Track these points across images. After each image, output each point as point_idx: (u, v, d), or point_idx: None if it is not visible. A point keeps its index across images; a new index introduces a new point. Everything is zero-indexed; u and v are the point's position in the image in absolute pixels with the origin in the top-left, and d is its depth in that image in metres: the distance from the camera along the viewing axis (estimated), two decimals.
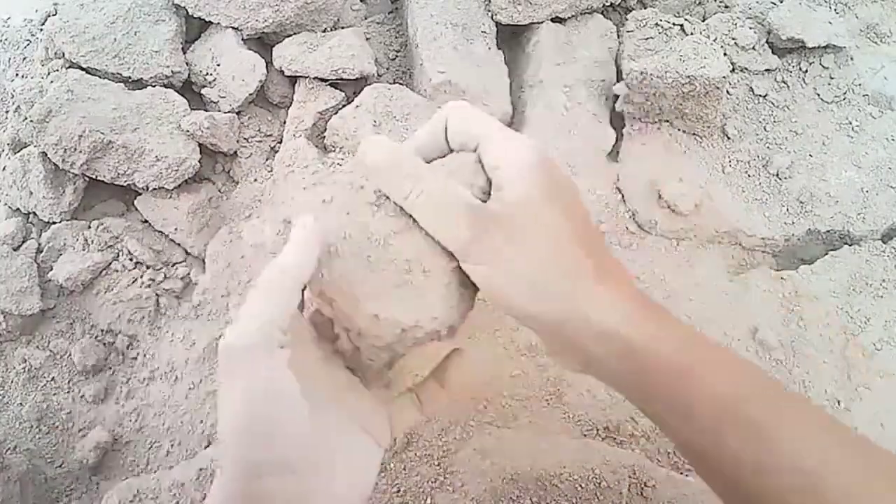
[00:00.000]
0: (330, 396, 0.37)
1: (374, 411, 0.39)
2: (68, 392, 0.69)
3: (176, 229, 0.71)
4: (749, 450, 0.33)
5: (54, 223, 0.71)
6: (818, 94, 0.73)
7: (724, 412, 0.33)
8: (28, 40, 0.87)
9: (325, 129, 0.74)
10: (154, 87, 0.72)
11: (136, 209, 0.72)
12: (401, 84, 0.77)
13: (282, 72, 0.75)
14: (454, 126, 0.38)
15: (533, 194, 0.35)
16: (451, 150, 0.39)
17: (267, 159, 0.76)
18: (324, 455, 0.34)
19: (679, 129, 0.73)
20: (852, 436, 0.35)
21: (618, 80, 0.74)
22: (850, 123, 0.72)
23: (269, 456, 0.32)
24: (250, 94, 0.73)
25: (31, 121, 0.66)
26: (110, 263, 0.70)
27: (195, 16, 0.75)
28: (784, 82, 0.74)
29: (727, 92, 0.72)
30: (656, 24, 0.75)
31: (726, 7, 0.78)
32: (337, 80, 0.74)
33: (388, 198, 0.37)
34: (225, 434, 0.32)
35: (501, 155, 0.36)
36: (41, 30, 0.85)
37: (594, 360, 0.36)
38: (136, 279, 0.71)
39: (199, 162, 0.70)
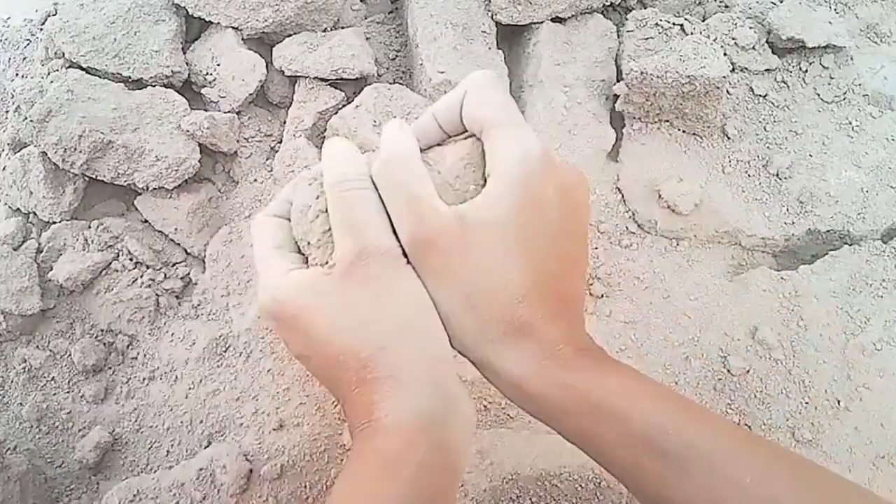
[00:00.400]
0: None
1: None
2: (68, 392, 0.69)
3: (176, 229, 0.71)
4: (668, 484, 0.32)
5: (54, 223, 0.71)
6: (818, 94, 0.73)
7: (637, 450, 0.33)
8: (28, 40, 0.87)
9: (325, 129, 0.74)
10: (154, 86, 0.72)
11: (136, 209, 0.72)
12: (401, 84, 0.77)
13: (282, 72, 0.75)
14: (468, 107, 0.36)
15: (501, 220, 0.34)
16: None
17: (267, 159, 0.76)
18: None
19: (679, 129, 0.73)
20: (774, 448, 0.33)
21: (618, 80, 0.74)
22: (850, 123, 0.72)
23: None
24: (250, 94, 0.73)
25: (31, 121, 0.66)
26: (110, 263, 0.70)
27: (195, 16, 0.75)
28: (784, 82, 0.74)
29: (727, 92, 0.72)
30: (656, 24, 0.75)
31: (726, 7, 0.78)
32: (337, 79, 0.74)
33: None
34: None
35: (497, 160, 0.34)
36: (41, 30, 0.85)
37: (514, 403, 0.36)
38: (136, 279, 0.71)
39: (199, 162, 0.70)
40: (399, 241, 0.35)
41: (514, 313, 0.34)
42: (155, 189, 0.69)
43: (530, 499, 0.58)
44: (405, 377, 0.34)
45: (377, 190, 0.35)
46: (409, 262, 0.35)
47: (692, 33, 0.73)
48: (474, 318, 0.34)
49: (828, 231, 0.70)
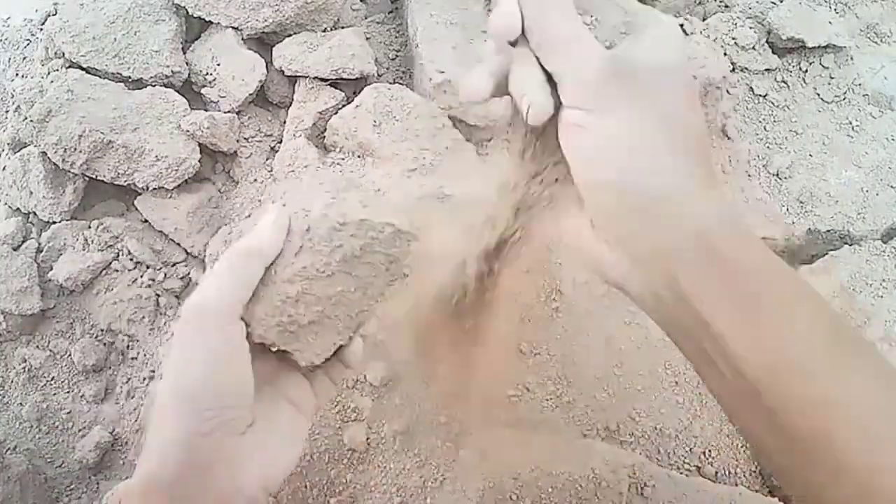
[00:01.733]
0: (261, 371, 0.38)
1: (300, 387, 0.41)
2: (68, 392, 0.69)
3: (176, 229, 0.71)
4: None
5: (54, 223, 0.71)
6: (818, 94, 0.73)
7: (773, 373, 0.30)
8: (28, 40, 0.87)
9: (325, 129, 0.74)
10: (154, 86, 0.72)
11: (136, 209, 0.72)
12: (401, 84, 0.77)
13: (282, 72, 0.75)
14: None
15: (672, 65, 0.33)
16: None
17: (267, 159, 0.76)
18: (260, 422, 0.37)
19: None
20: None
21: None
22: (850, 123, 0.72)
23: (212, 415, 0.34)
24: (250, 94, 0.73)
25: (31, 120, 0.66)
26: (110, 263, 0.70)
27: (195, 15, 0.75)
28: (784, 82, 0.74)
29: (727, 92, 0.72)
30: None
31: (726, 7, 0.78)
32: (337, 79, 0.74)
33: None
34: (171, 389, 0.35)
35: (653, 22, 0.35)
36: (41, 29, 0.85)
37: (662, 255, 0.32)
38: (136, 279, 0.71)
39: (199, 162, 0.70)
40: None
41: (706, 153, 0.33)
42: (155, 189, 0.69)
43: (530, 499, 0.58)
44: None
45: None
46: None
47: (692, 33, 0.73)
48: (677, 140, 0.32)
49: (828, 231, 0.70)
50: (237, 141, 0.74)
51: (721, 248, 0.31)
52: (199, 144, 0.71)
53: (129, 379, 0.70)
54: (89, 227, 0.71)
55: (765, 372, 0.30)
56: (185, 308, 0.36)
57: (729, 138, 0.73)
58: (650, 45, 0.33)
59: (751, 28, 0.73)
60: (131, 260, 0.71)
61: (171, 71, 0.73)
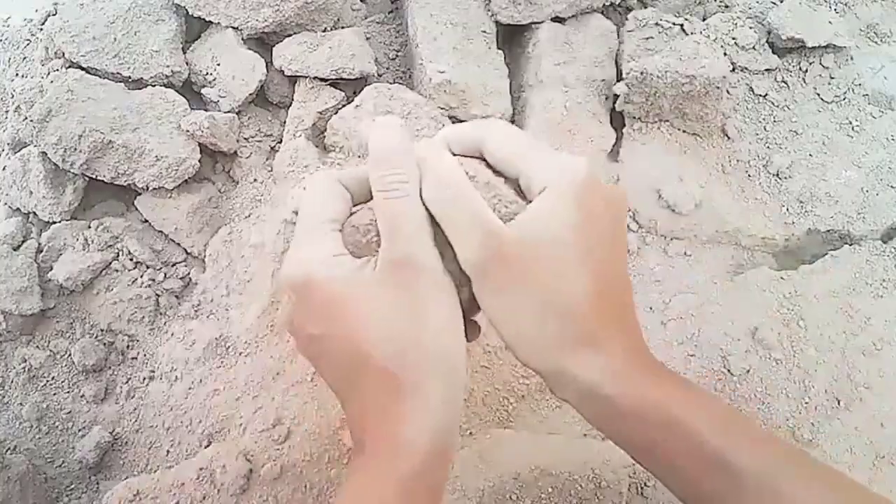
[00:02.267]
0: None
1: None
2: (68, 392, 0.69)
3: (176, 229, 0.71)
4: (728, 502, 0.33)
5: (54, 223, 0.71)
6: (818, 94, 0.73)
7: (705, 466, 0.33)
8: (28, 40, 0.87)
9: (326, 129, 0.74)
10: (154, 86, 0.72)
11: (136, 209, 0.72)
12: (401, 84, 0.77)
13: (282, 71, 0.75)
14: (496, 143, 0.36)
15: (560, 234, 0.34)
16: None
17: (267, 159, 0.76)
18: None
19: (679, 129, 0.73)
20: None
21: (618, 80, 0.74)
22: (850, 123, 0.72)
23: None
24: (250, 94, 0.73)
25: (31, 120, 0.66)
26: (110, 263, 0.70)
27: (195, 15, 0.75)
28: (784, 82, 0.74)
29: (727, 92, 0.72)
30: (656, 24, 0.75)
31: (726, 7, 0.78)
32: (337, 79, 0.74)
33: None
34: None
35: (545, 178, 0.35)
36: (41, 29, 0.85)
37: (584, 414, 0.37)
38: (136, 279, 0.71)
39: (199, 162, 0.70)
40: (450, 260, 0.35)
41: (588, 322, 0.35)
42: (155, 189, 0.69)
43: (530, 499, 0.58)
44: (429, 395, 0.34)
45: (425, 206, 0.35)
46: (451, 282, 0.36)
47: (692, 33, 0.73)
48: (550, 329, 0.34)
49: (828, 231, 0.70)
50: (237, 141, 0.74)
51: (609, 399, 0.35)
52: (199, 144, 0.71)
53: (129, 379, 0.70)
54: (89, 227, 0.71)
55: None
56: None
57: (729, 138, 0.73)
58: (535, 218, 0.34)
59: (751, 28, 0.73)
60: (131, 260, 0.71)
61: (171, 71, 0.73)
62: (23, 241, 0.71)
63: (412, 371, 0.34)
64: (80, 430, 0.69)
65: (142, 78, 0.72)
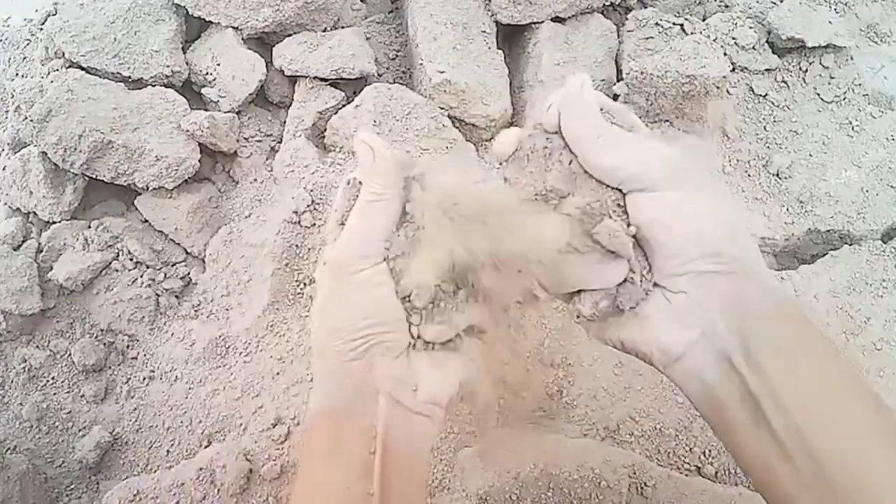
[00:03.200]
0: None
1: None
2: (68, 392, 0.69)
3: (176, 229, 0.71)
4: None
5: (54, 223, 0.71)
6: (818, 94, 0.73)
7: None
8: (28, 40, 0.87)
9: (325, 129, 0.74)
10: (154, 86, 0.72)
11: (137, 209, 0.72)
12: (401, 84, 0.77)
13: (282, 71, 0.75)
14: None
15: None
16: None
17: (267, 159, 0.76)
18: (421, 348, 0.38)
19: (679, 129, 0.73)
20: None
21: (618, 80, 0.74)
22: (850, 123, 0.72)
23: (359, 342, 0.36)
24: (250, 94, 0.73)
25: (31, 120, 0.66)
26: (110, 263, 0.70)
27: (195, 15, 0.75)
28: (784, 82, 0.74)
29: (727, 92, 0.72)
30: (656, 24, 0.75)
31: (726, 7, 0.78)
32: (337, 79, 0.74)
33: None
34: (317, 328, 0.38)
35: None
36: (41, 29, 0.85)
37: (743, 322, 0.34)
38: (136, 279, 0.71)
39: (199, 162, 0.70)
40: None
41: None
42: (155, 189, 0.69)
43: (530, 499, 0.58)
44: (317, 376, 0.39)
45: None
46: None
47: (692, 33, 0.73)
48: (723, 224, 0.36)
49: (828, 231, 0.70)
50: (237, 141, 0.74)
51: (798, 320, 0.35)
52: (199, 144, 0.71)
53: (129, 379, 0.70)
54: (89, 226, 0.71)
55: (829, 454, 0.32)
56: (329, 261, 0.38)
57: (729, 138, 0.73)
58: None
59: (751, 28, 0.72)
60: (131, 260, 0.71)
61: (171, 71, 0.73)
62: (23, 241, 0.71)
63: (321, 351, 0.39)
64: (80, 430, 0.69)
65: (142, 78, 0.72)
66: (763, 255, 0.72)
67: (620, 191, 0.36)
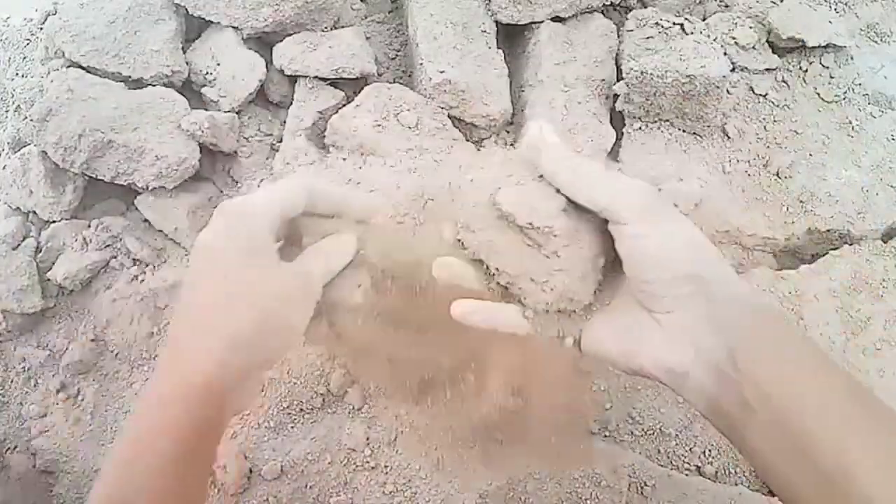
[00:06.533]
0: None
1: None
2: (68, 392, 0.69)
3: (176, 229, 0.71)
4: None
5: (54, 222, 0.71)
6: (818, 94, 0.73)
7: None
8: (28, 39, 0.87)
9: (326, 129, 0.74)
10: (154, 86, 0.72)
11: (136, 209, 0.72)
12: (401, 83, 0.77)
13: (282, 71, 0.75)
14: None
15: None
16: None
17: (267, 159, 0.76)
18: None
19: (679, 129, 0.73)
20: None
21: (618, 80, 0.74)
22: (850, 123, 0.72)
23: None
24: (250, 94, 0.73)
25: (31, 120, 0.66)
26: (109, 262, 0.70)
27: (195, 15, 0.75)
28: (784, 82, 0.74)
29: (727, 91, 0.72)
30: (656, 24, 0.74)
31: (726, 6, 0.78)
32: (337, 79, 0.74)
33: None
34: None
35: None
36: (41, 29, 0.85)
37: (726, 332, 0.37)
38: (135, 278, 0.71)
39: (199, 161, 0.70)
40: None
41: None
42: (155, 188, 0.69)
43: (530, 499, 0.58)
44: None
45: None
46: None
47: (692, 33, 0.73)
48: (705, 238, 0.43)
49: (828, 230, 0.70)
50: (237, 141, 0.74)
51: (774, 321, 0.38)
52: (199, 144, 0.71)
53: (128, 378, 0.70)
54: (89, 226, 0.71)
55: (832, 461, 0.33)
56: (218, 209, 0.42)
57: (729, 138, 0.73)
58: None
59: (751, 28, 0.72)
60: (131, 259, 0.71)
61: (171, 70, 0.73)
62: (22, 240, 0.71)
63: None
64: None
65: (142, 77, 0.72)
66: (763, 254, 0.73)
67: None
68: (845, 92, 0.73)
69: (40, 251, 0.70)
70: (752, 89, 0.73)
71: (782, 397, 0.35)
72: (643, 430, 0.63)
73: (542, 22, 0.76)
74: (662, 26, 0.74)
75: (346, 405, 0.64)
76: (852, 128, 0.72)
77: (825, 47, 0.72)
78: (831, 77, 0.73)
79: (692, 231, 0.40)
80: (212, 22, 0.75)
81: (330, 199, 0.45)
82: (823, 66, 0.73)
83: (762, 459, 0.36)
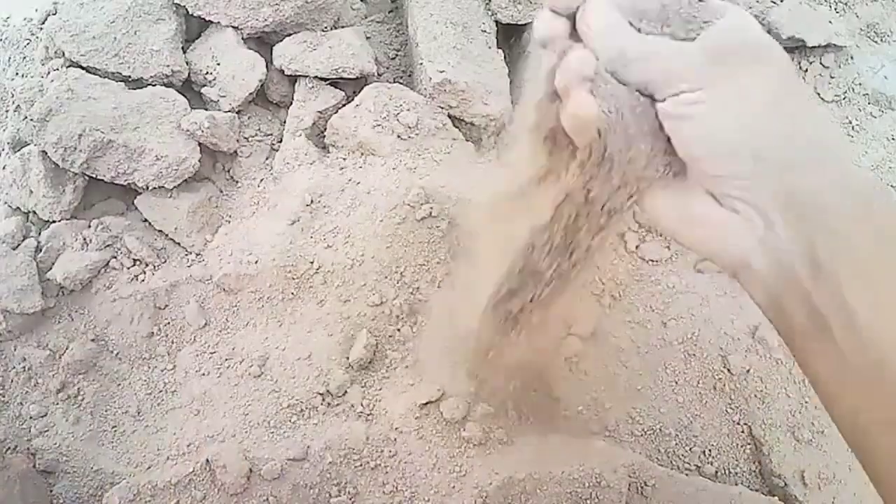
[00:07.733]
0: None
1: None
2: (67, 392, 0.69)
3: (176, 228, 0.71)
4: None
5: (54, 222, 0.71)
6: (818, 94, 0.73)
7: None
8: (28, 39, 0.87)
9: (325, 129, 0.74)
10: (154, 86, 0.72)
11: (136, 208, 0.72)
12: (401, 83, 0.77)
13: (282, 71, 0.75)
14: None
15: (765, 39, 0.31)
16: None
17: (267, 159, 0.76)
18: None
19: None
20: None
21: None
22: (851, 123, 0.72)
23: None
24: (250, 94, 0.73)
25: (32, 120, 0.66)
26: (108, 262, 0.70)
27: (195, 15, 0.75)
28: None
29: None
30: None
31: None
32: (337, 79, 0.74)
33: None
34: None
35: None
36: (41, 29, 0.85)
37: (809, 215, 0.29)
38: (135, 277, 0.71)
39: (199, 161, 0.70)
40: None
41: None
42: (155, 188, 0.69)
43: (531, 499, 0.58)
44: None
45: None
46: None
47: None
48: (802, 100, 0.32)
49: None
50: (237, 140, 0.74)
51: (883, 214, 0.29)
52: (199, 144, 0.71)
53: (128, 378, 0.70)
54: (89, 226, 0.71)
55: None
56: None
57: None
58: (734, 25, 0.32)
59: None
60: (131, 259, 0.71)
61: (171, 70, 0.73)
62: (22, 240, 0.70)
63: None
64: None
65: (142, 77, 0.72)
66: None
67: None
68: (845, 92, 0.73)
69: (40, 251, 0.70)
70: None
71: (872, 322, 0.27)
72: (643, 430, 0.63)
73: None
74: None
75: (346, 405, 0.64)
76: (852, 127, 0.72)
77: (825, 47, 0.72)
78: (831, 77, 0.73)
79: (780, 83, 0.30)
80: (212, 22, 0.75)
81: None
82: (823, 65, 0.73)
83: (825, 389, 0.30)
